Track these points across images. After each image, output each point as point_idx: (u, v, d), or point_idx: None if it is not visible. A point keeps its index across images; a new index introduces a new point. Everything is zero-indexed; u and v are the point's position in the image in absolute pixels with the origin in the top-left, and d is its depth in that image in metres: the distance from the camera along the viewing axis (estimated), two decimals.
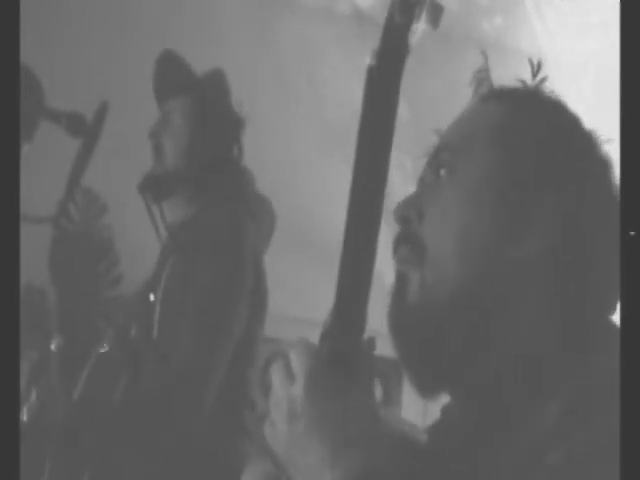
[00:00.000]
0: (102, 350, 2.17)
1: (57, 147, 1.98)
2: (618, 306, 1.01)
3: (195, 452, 2.03)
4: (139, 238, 2.41)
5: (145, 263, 2.32)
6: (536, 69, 3.44)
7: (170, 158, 2.25)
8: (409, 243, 1.03)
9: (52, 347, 1.94)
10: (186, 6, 3.61)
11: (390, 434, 0.95)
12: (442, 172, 1.05)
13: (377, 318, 0.96)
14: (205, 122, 2.28)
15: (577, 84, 3.58)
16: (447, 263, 1.00)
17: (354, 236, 0.90)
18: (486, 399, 0.99)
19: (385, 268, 1.04)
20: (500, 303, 0.99)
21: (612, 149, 1.06)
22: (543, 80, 3.29)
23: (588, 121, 1.07)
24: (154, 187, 2.25)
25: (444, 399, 1.05)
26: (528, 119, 1.06)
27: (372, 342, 0.93)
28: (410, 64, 0.90)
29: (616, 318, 0.98)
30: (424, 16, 0.89)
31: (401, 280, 1.03)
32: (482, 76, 3.41)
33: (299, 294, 3.34)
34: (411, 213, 1.04)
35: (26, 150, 1.75)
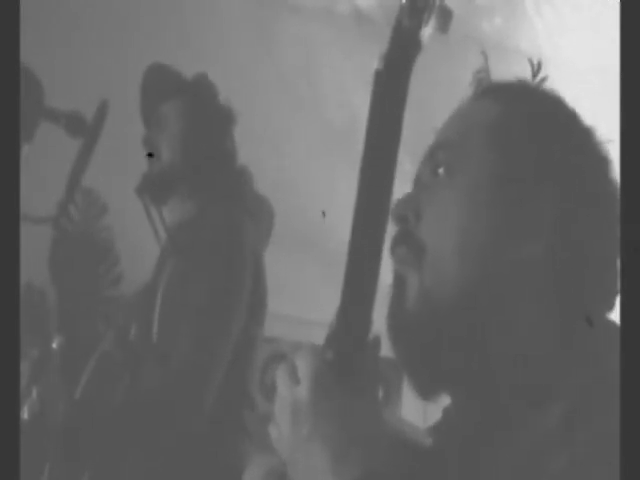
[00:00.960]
0: (102, 350, 2.17)
1: (57, 147, 1.98)
2: (617, 305, 1.01)
3: (195, 452, 2.03)
4: (139, 238, 2.40)
5: (145, 264, 2.32)
6: (536, 69, 3.45)
7: (166, 161, 2.26)
8: (407, 244, 1.02)
9: (53, 346, 1.93)
10: (186, 6, 3.61)
11: (392, 436, 0.95)
12: (439, 171, 1.04)
13: (376, 318, 0.96)
14: (197, 121, 2.30)
15: (577, 84, 3.57)
16: (446, 264, 0.99)
17: (360, 239, 0.90)
18: (486, 400, 0.98)
19: (383, 268, 1.03)
20: (499, 303, 0.99)
21: (612, 149, 1.05)
22: (543, 80, 3.30)
23: (588, 122, 1.07)
24: (152, 190, 2.26)
25: (444, 400, 1.05)
26: (525, 116, 1.05)
27: (377, 341, 0.92)
28: None
29: (616, 317, 0.98)
30: (433, 21, 0.88)
31: (399, 281, 1.02)
32: (482, 76, 3.41)
33: (298, 294, 3.34)
34: (409, 213, 1.03)
35: (26, 150, 1.75)
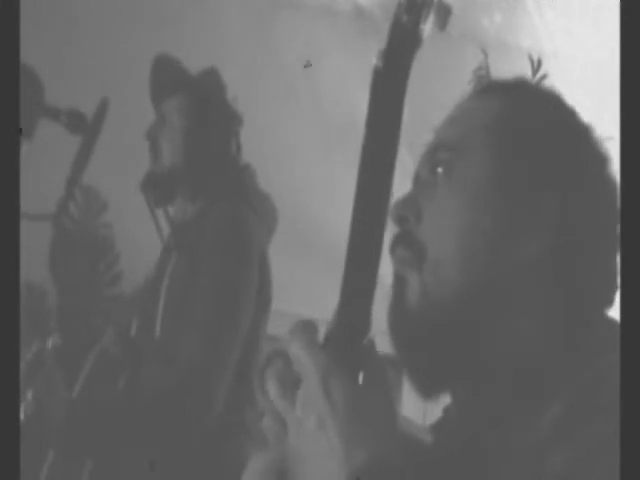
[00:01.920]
0: (101, 347, 2.16)
1: (57, 145, 1.98)
2: (617, 304, 1.01)
3: (197, 451, 2.02)
4: (139, 236, 2.41)
5: (145, 261, 2.32)
6: (536, 66, 3.45)
7: (169, 158, 2.25)
8: (407, 244, 1.02)
9: (49, 344, 1.93)
10: (186, 5, 3.61)
11: (400, 426, 0.95)
12: (439, 171, 1.04)
13: (376, 316, 0.95)
14: (202, 119, 2.28)
15: (577, 81, 3.57)
16: (447, 265, 0.99)
17: (359, 237, 0.89)
18: (487, 399, 0.98)
19: (383, 267, 1.03)
20: (499, 303, 0.99)
21: (612, 147, 1.05)
22: (543, 77, 3.30)
23: (588, 119, 1.07)
24: (156, 188, 2.25)
25: (444, 399, 1.05)
26: (525, 114, 1.05)
27: (372, 344, 0.92)
28: None
29: (616, 317, 0.98)
30: (431, 17, 0.88)
31: (400, 282, 1.02)
32: (482, 74, 3.41)
33: (299, 291, 3.34)
34: (408, 213, 1.03)
35: (26, 148, 1.75)
